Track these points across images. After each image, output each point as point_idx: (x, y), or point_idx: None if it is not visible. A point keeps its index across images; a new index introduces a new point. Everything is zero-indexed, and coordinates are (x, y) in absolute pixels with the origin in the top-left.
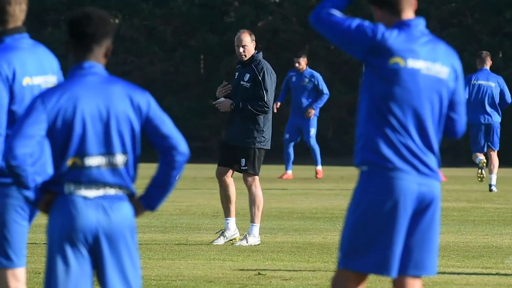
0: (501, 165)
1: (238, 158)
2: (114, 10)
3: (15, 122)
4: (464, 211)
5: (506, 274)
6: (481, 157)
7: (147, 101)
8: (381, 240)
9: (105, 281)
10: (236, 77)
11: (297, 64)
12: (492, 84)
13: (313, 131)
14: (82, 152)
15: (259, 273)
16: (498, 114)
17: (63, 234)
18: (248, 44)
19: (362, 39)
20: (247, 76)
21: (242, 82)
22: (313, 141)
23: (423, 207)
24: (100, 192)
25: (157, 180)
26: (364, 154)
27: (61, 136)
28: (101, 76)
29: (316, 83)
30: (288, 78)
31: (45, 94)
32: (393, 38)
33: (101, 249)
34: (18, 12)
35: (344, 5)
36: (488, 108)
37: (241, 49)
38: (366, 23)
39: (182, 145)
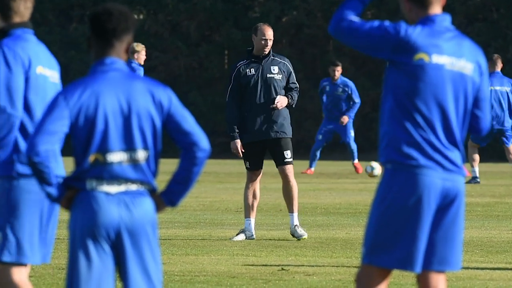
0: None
1: (280, 151)
2: (139, 5)
3: (28, 109)
4: (488, 206)
5: None
6: None
7: (168, 97)
8: (405, 235)
9: (127, 276)
10: (251, 72)
11: (336, 72)
12: (507, 88)
13: (352, 133)
14: (104, 148)
15: (282, 269)
16: (511, 118)
17: (85, 230)
18: (272, 38)
19: (385, 39)
20: (275, 68)
21: (270, 75)
22: (352, 142)
23: (447, 203)
24: (122, 188)
25: (178, 176)
26: (388, 153)
27: (83, 132)
28: (123, 72)
29: (350, 92)
30: (322, 88)
31: (67, 90)
32: (417, 34)
33: (123, 244)
34: (23, 8)
35: (361, 9)
36: (502, 114)
37: (269, 43)
38: (387, 22)
39: (203, 141)
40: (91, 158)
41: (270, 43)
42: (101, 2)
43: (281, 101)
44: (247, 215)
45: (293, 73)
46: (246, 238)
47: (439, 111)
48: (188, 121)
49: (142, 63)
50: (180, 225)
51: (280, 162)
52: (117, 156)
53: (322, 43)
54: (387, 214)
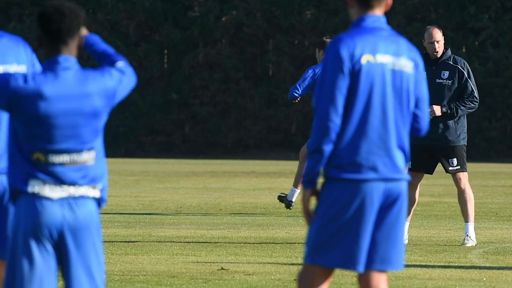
0: (468, 160)
1: (445, 158)
2: (78, 4)
3: None
4: (427, 206)
5: (468, 269)
6: None
7: (113, 82)
8: (348, 235)
9: (70, 276)
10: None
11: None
12: None
13: None
14: (47, 148)
15: (222, 268)
16: None
17: (28, 230)
18: (441, 40)
19: (342, 70)
20: (446, 73)
21: (440, 80)
22: None
23: (389, 203)
24: (64, 193)
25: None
26: (338, 158)
27: (28, 128)
28: (75, 70)
29: None
30: (313, 75)
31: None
32: (359, 39)
33: (66, 244)
34: None
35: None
36: None
37: (436, 45)
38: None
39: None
40: (34, 156)
41: (439, 44)
42: (41, 1)
43: (431, 111)
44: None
45: (472, 78)
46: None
47: (382, 112)
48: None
49: None
50: (119, 224)
51: (446, 169)
52: (61, 158)
53: (261, 43)
54: (329, 214)
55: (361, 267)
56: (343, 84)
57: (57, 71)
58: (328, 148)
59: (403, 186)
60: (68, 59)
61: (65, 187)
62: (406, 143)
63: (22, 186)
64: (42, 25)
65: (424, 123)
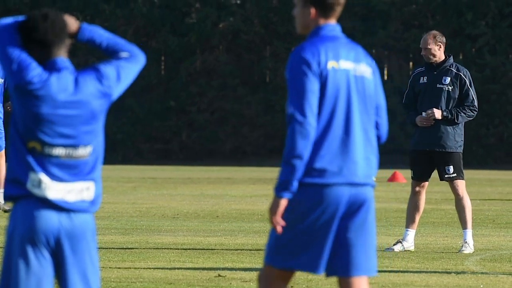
0: (465, 166)
1: (441, 165)
2: (76, 11)
3: None
4: (424, 213)
5: (465, 276)
6: None
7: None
8: (310, 239)
9: (66, 282)
10: (422, 81)
11: None
12: None
13: None
14: (44, 139)
15: (219, 275)
16: None
17: (25, 236)
18: (433, 47)
19: (312, 82)
20: (447, 79)
21: (440, 86)
22: None
23: (354, 209)
24: (60, 193)
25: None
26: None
27: (27, 120)
28: (72, 71)
29: None
30: None
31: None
32: (322, 46)
33: (63, 250)
34: None
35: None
36: None
37: (426, 51)
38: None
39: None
40: (30, 145)
41: (429, 50)
42: (37, 7)
43: (431, 114)
44: (406, 225)
45: (472, 86)
46: (403, 248)
47: (347, 117)
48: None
49: None
50: (116, 231)
51: (442, 177)
52: (57, 150)
53: (259, 49)
54: (292, 217)
55: (320, 271)
56: (315, 88)
57: (53, 74)
58: (306, 152)
59: (368, 192)
60: (64, 61)
61: (61, 184)
62: (375, 148)
63: (23, 178)
64: (30, 36)
65: (384, 130)
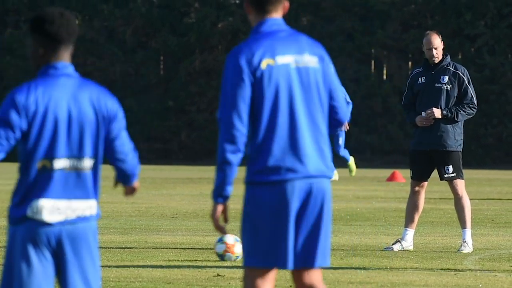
0: (464, 166)
1: (441, 165)
2: (74, 11)
3: None
4: (423, 212)
5: (464, 275)
6: None
7: (116, 111)
8: (273, 236)
9: (67, 283)
10: (421, 81)
11: None
12: None
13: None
14: (51, 155)
15: (218, 275)
16: None
17: (26, 236)
18: (439, 46)
19: (244, 84)
20: (445, 78)
21: (439, 85)
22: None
23: (310, 202)
24: (62, 216)
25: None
26: (255, 164)
27: (32, 136)
28: (74, 78)
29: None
30: None
31: (20, 92)
32: (256, 45)
33: (64, 251)
34: None
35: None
36: None
37: (434, 52)
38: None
39: (135, 161)
40: (39, 164)
41: (437, 51)
42: (36, 8)
43: (431, 113)
44: (405, 225)
45: (471, 84)
46: (402, 248)
47: (291, 112)
48: (125, 144)
49: None
50: (115, 231)
51: (442, 177)
52: (62, 163)
53: None
54: (255, 216)
55: (289, 265)
56: (245, 93)
57: (59, 78)
58: (236, 158)
59: (323, 184)
60: (67, 65)
61: (64, 205)
62: (326, 139)
63: (24, 211)
64: (42, 29)
65: (343, 113)
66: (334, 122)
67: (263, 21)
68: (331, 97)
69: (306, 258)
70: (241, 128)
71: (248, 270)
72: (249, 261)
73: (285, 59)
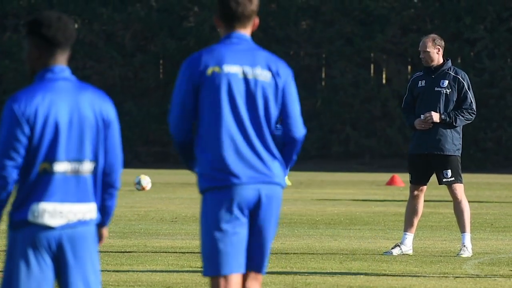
0: (463, 170)
1: (439, 169)
2: (73, 14)
3: None
4: (422, 217)
5: (464, 280)
6: None
7: (112, 115)
8: (227, 243)
9: (68, 287)
10: (421, 84)
11: None
12: None
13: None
14: (51, 158)
15: None
16: None
17: (27, 240)
18: (431, 51)
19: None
20: (445, 82)
21: (438, 89)
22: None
23: (257, 207)
24: (63, 220)
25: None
26: (203, 173)
27: (34, 140)
28: (72, 81)
29: None
30: None
31: (20, 99)
32: (207, 54)
33: (64, 255)
34: None
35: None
36: None
37: (423, 55)
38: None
39: (118, 171)
40: (40, 167)
41: (426, 54)
42: (35, 11)
43: (430, 117)
44: (404, 229)
45: (471, 89)
46: (401, 252)
47: (236, 120)
48: (116, 147)
49: None
50: (115, 235)
51: (440, 181)
52: (63, 166)
53: None
54: (206, 225)
55: (242, 270)
56: (189, 98)
57: (57, 82)
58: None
59: (270, 190)
60: (64, 69)
61: (65, 209)
62: (272, 147)
63: (24, 214)
64: (41, 32)
65: (296, 130)
66: (287, 139)
67: (228, 34)
68: (285, 114)
69: (255, 264)
70: (187, 128)
71: (210, 279)
72: (208, 270)
73: (232, 69)
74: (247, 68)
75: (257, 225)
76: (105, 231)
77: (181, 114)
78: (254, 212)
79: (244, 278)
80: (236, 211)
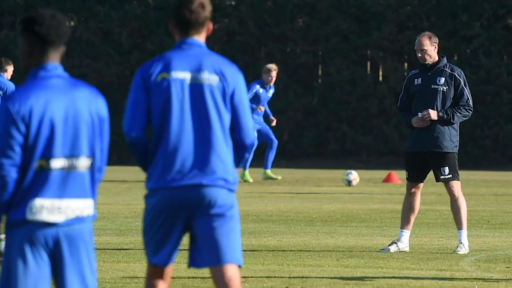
0: (460, 167)
1: (437, 166)
2: (70, 12)
3: None
4: (419, 214)
5: (460, 277)
6: None
7: (104, 112)
8: (162, 238)
9: (64, 283)
10: (417, 82)
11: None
12: None
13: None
14: (48, 155)
15: None
16: None
17: (24, 237)
18: (428, 49)
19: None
20: (441, 79)
21: (435, 86)
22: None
23: (204, 207)
24: (62, 217)
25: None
26: (148, 170)
27: (30, 138)
28: (65, 79)
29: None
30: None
31: (15, 98)
32: (159, 60)
33: (61, 252)
34: None
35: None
36: None
37: (420, 53)
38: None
39: (103, 168)
40: (37, 164)
41: (424, 52)
42: (31, 9)
43: (428, 114)
44: (401, 226)
45: (467, 86)
46: (398, 249)
47: (182, 125)
48: (104, 143)
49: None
50: (111, 232)
51: (438, 178)
52: (59, 163)
53: (253, 51)
54: (147, 219)
55: (166, 263)
56: (140, 102)
57: (50, 79)
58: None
59: (213, 192)
60: (57, 67)
61: (63, 205)
62: (219, 152)
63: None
64: (34, 29)
65: (245, 132)
66: (238, 145)
67: (180, 41)
68: (235, 121)
69: (211, 257)
70: (139, 125)
71: (147, 267)
72: (148, 258)
73: (181, 74)
74: (194, 73)
75: (205, 224)
76: None
77: (133, 112)
78: (195, 213)
79: (220, 271)
80: (173, 213)
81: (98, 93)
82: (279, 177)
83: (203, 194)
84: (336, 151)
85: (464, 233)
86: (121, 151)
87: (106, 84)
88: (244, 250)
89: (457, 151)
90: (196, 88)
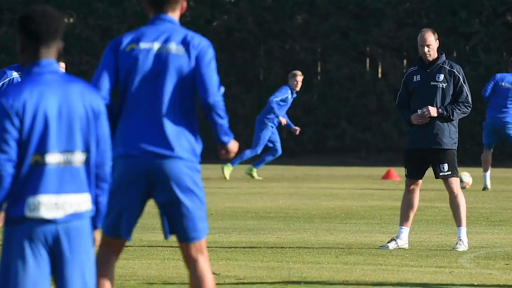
0: (459, 165)
1: (436, 163)
2: (69, 9)
3: None
4: (418, 211)
5: (459, 273)
6: None
7: (100, 106)
8: (115, 207)
9: (64, 280)
10: (416, 79)
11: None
12: None
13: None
14: (42, 150)
15: (213, 273)
16: None
17: (23, 234)
18: (432, 44)
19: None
20: (440, 76)
21: (434, 83)
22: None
23: (159, 181)
24: (60, 213)
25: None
26: (117, 142)
27: (24, 134)
28: (59, 74)
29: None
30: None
31: (8, 93)
32: (130, 33)
33: (61, 249)
34: None
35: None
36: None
37: (426, 49)
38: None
39: (106, 163)
40: (32, 160)
41: (429, 48)
42: (31, 5)
43: (427, 111)
44: (400, 223)
45: (466, 83)
46: (397, 246)
47: (148, 93)
48: (106, 139)
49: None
50: None
51: (437, 175)
52: (54, 158)
53: (253, 47)
54: (110, 189)
55: (124, 235)
56: (110, 69)
57: (43, 75)
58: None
59: (170, 164)
60: (51, 63)
61: (61, 200)
62: (182, 120)
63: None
64: (26, 26)
65: (208, 94)
66: (202, 104)
67: (155, 16)
68: (198, 79)
69: (177, 232)
70: (105, 86)
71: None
72: (103, 228)
73: (148, 45)
74: (162, 44)
75: (163, 195)
76: (98, 234)
77: (100, 74)
78: (156, 184)
79: (183, 246)
80: (137, 179)
81: (92, 88)
82: (260, 178)
83: (157, 164)
84: (335, 148)
85: (463, 230)
86: None
87: None
88: (243, 247)
89: (456, 148)
90: (162, 58)
